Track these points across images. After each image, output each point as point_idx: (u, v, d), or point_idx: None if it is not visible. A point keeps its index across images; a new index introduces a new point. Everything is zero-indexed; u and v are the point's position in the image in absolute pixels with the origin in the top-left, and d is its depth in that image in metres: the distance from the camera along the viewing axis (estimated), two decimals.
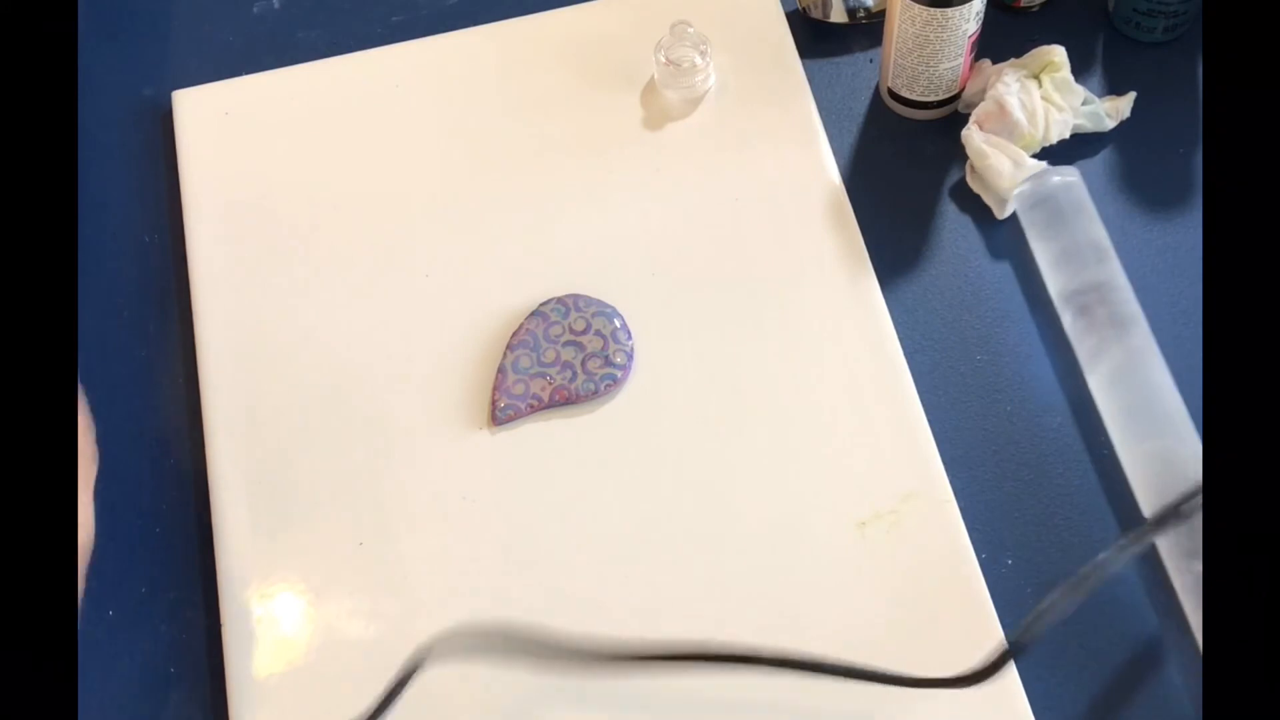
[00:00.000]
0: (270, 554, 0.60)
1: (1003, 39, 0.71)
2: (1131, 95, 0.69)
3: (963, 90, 0.69)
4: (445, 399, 0.63)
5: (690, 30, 0.69)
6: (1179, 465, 0.57)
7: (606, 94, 0.71)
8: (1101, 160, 0.68)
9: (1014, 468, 0.61)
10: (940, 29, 0.64)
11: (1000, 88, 0.67)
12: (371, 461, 0.62)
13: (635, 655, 0.53)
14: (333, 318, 0.65)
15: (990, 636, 0.56)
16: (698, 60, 0.69)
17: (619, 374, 0.62)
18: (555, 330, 0.63)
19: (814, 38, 0.73)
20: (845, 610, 0.58)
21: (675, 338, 0.64)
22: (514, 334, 0.64)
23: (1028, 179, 0.64)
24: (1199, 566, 0.55)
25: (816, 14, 0.73)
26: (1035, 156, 0.67)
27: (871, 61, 0.72)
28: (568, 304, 0.64)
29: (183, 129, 0.71)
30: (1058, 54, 0.67)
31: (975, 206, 0.68)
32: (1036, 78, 0.67)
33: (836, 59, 0.72)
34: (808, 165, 0.68)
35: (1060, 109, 0.67)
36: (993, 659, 0.53)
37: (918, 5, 0.63)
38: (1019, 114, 0.66)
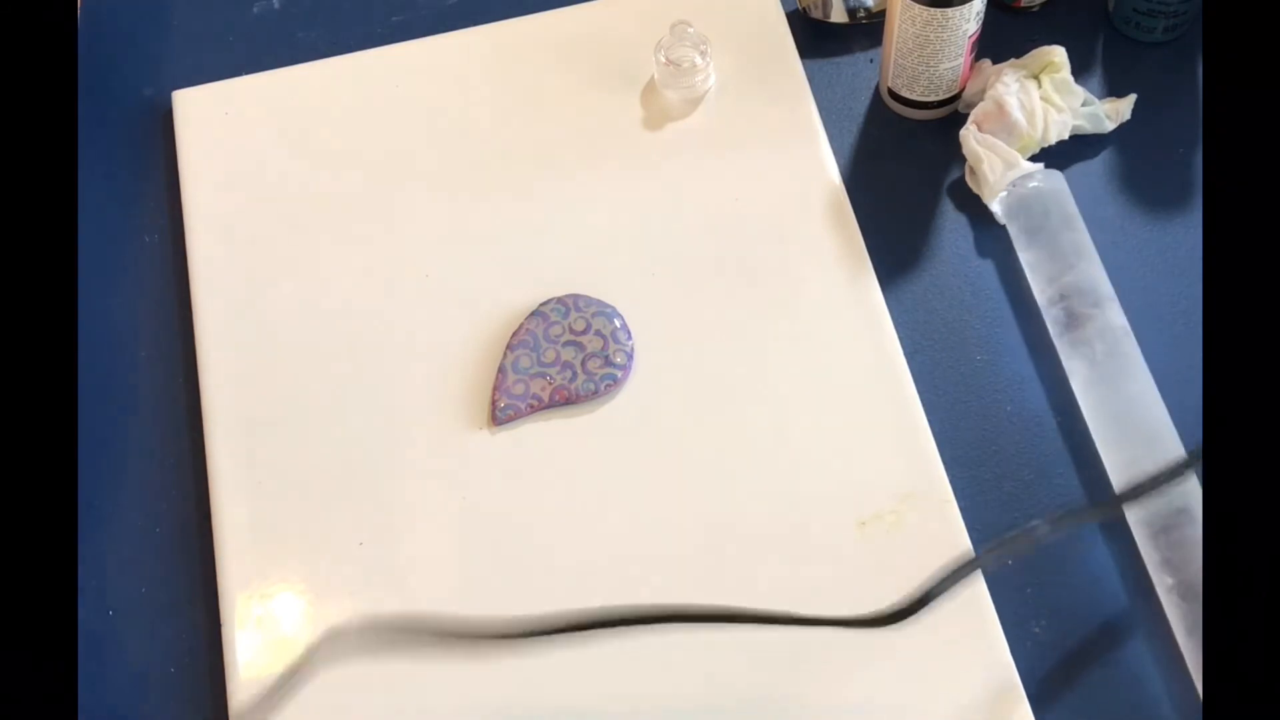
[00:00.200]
0: (270, 554, 0.60)
1: (1003, 39, 0.71)
2: (1132, 98, 0.69)
3: (963, 90, 0.69)
4: (445, 399, 0.63)
5: (690, 30, 0.69)
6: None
7: (606, 94, 0.71)
8: (1101, 161, 0.69)
9: (1014, 468, 0.61)
10: (940, 29, 0.64)
11: (1000, 88, 0.67)
12: (371, 461, 0.62)
13: (538, 629, 0.53)
14: (332, 317, 0.65)
15: (991, 636, 0.56)
16: (698, 60, 0.69)
17: (619, 374, 0.62)
18: (555, 330, 0.63)
19: (814, 38, 0.73)
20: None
21: (675, 337, 0.64)
22: (514, 334, 0.64)
23: (1010, 183, 0.64)
24: (1171, 579, 0.55)
25: (816, 14, 0.73)
26: (1034, 157, 0.67)
27: (871, 61, 0.72)
28: (568, 304, 0.64)
29: (183, 129, 0.71)
30: (1058, 54, 0.67)
31: (975, 206, 0.68)
32: (1036, 78, 0.67)
33: (836, 59, 0.73)
34: (808, 165, 0.68)
35: (1060, 110, 0.67)
36: (912, 601, 0.53)
37: (918, 5, 0.63)
38: (1018, 114, 0.66)
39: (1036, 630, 0.58)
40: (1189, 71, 0.71)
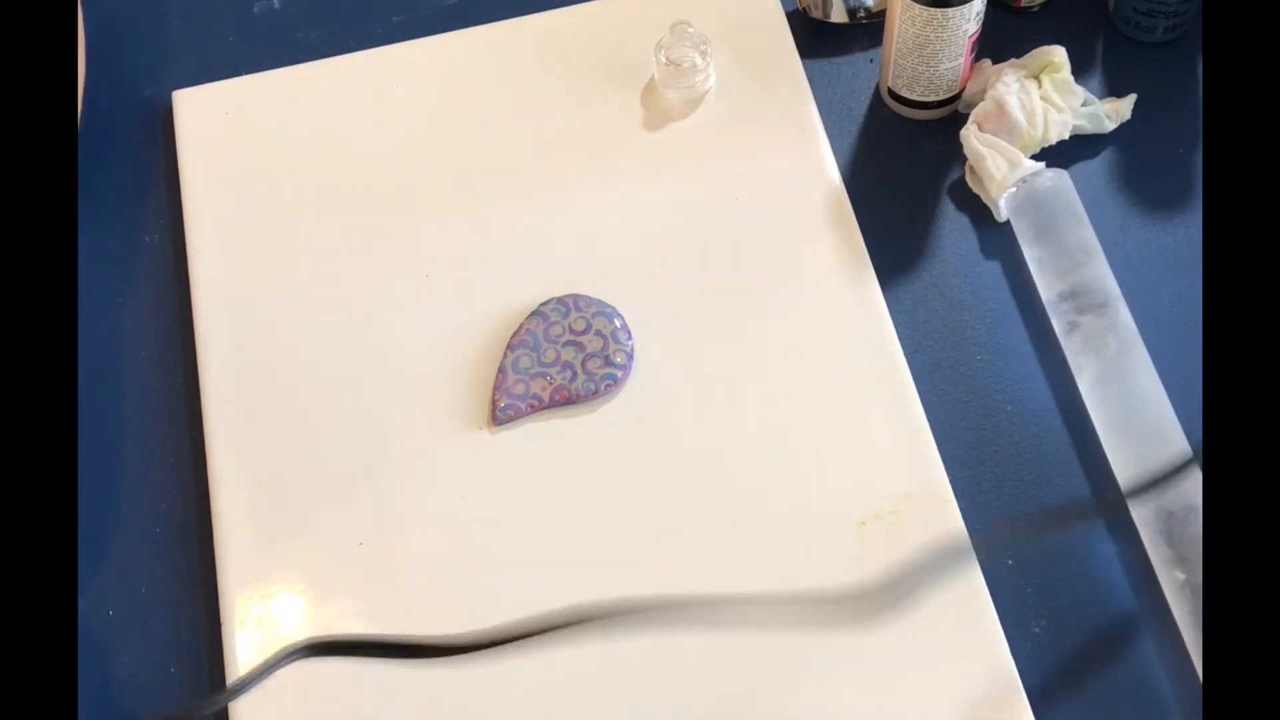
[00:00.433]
0: (270, 554, 0.60)
1: (1003, 39, 0.71)
2: (1132, 98, 0.69)
3: (963, 90, 0.69)
4: (445, 399, 0.63)
5: (690, 30, 0.69)
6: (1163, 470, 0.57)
7: (606, 94, 0.71)
8: (1101, 161, 0.69)
9: (1014, 468, 0.61)
10: (940, 29, 0.64)
11: (1000, 88, 0.67)
12: (372, 461, 0.62)
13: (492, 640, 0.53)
14: (333, 318, 0.65)
15: (991, 636, 0.56)
16: (698, 60, 0.69)
17: (619, 374, 0.62)
18: (555, 330, 0.63)
19: (814, 38, 0.73)
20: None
21: (675, 338, 0.64)
22: (514, 334, 0.64)
23: (1015, 182, 0.64)
24: (1181, 575, 0.55)
25: (816, 14, 0.73)
26: (1035, 157, 0.67)
27: (871, 61, 0.72)
28: (568, 304, 0.64)
29: (183, 129, 0.71)
30: (1058, 54, 0.67)
31: (975, 206, 0.68)
32: (1036, 78, 0.67)
33: (836, 59, 0.72)
34: (808, 165, 0.68)
35: (1060, 110, 0.67)
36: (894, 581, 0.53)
37: (918, 5, 0.63)
38: (1018, 114, 0.66)
39: (1036, 630, 0.58)
40: (1189, 71, 0.71)
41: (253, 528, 0.60)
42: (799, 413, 0.62)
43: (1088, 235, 0.63)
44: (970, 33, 0.65)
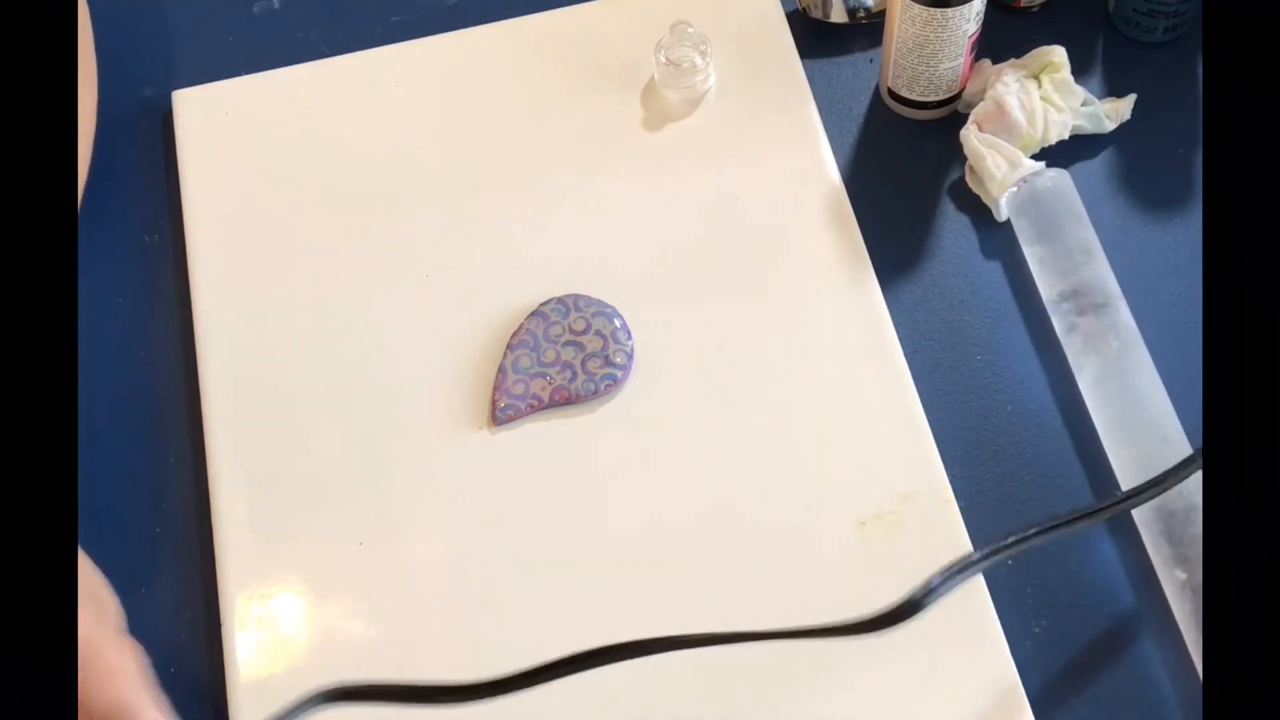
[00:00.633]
0: (270, 554, 0.60)
1: (1003, 39, 0.71)
2: (1131, 98, 0.69)
3: (963, 90, 0.69)
4: (445, 399, 0.63)
5: (690, 30, 0.69)
6: (1156, 472, 0.57)
7: (606, 94, 0.71)
8: (1101, 161, 0.69)
9: (1014, 468, 0.61)
10: (940, 29, 0.64)
11: (1000, 88, 0.67)
12: (372, 461, 0.62)
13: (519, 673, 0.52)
14: (333, 318, 0.65)
15: (991, 636, 0.56)
16: (698, 60, 0.69)
17: (619, 374, 0.62)
18: (555, 330, 0.63)
19: (814, 38, 0.73)
20: (845, 610, 0.58)
21: (675, 338, 0.64)
22: (514, 334, 0.64)
23: (1016, 181, 0.64)
24: (1183, 574, 0.55)
25: (816, 14, 0.73)
26: (1035, 157, 0.67)
27: (871, 61, 0.72)
28: (568, 304, 0.64)
29: (183, 129, 0.71)
30: (1058, 54, 0.67)
31: (975, 206, 0.68)
32: (1036, 78, 0.67)
33: (836, 59, 0.72)
34: (808, 165, 0.68)
35: (1060, 110, 0.67)
36: (905, 602, 0.53)
37: (918, 5, 0.63)
38: (1018, 114, 0.66)
39: (1037, 630, 0.58)
40: (1189, 71, 0.71)
41: (253, 528, 0.60)
42: (799, 412, 0.62)
43: (1088, 235, 0.63)
44: (970, 33, 0.65)
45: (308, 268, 0.67)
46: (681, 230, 0.67)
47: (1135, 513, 0.58)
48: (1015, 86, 0.67)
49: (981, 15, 0.65)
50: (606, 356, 0.63)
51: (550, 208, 0.68)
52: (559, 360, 0.63)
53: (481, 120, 0.70)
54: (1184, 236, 0.66)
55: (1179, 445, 0.58)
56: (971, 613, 0.57)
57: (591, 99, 0.71)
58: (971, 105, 0.68)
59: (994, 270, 0.66)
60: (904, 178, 0.69)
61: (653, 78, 0.71)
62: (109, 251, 0.69)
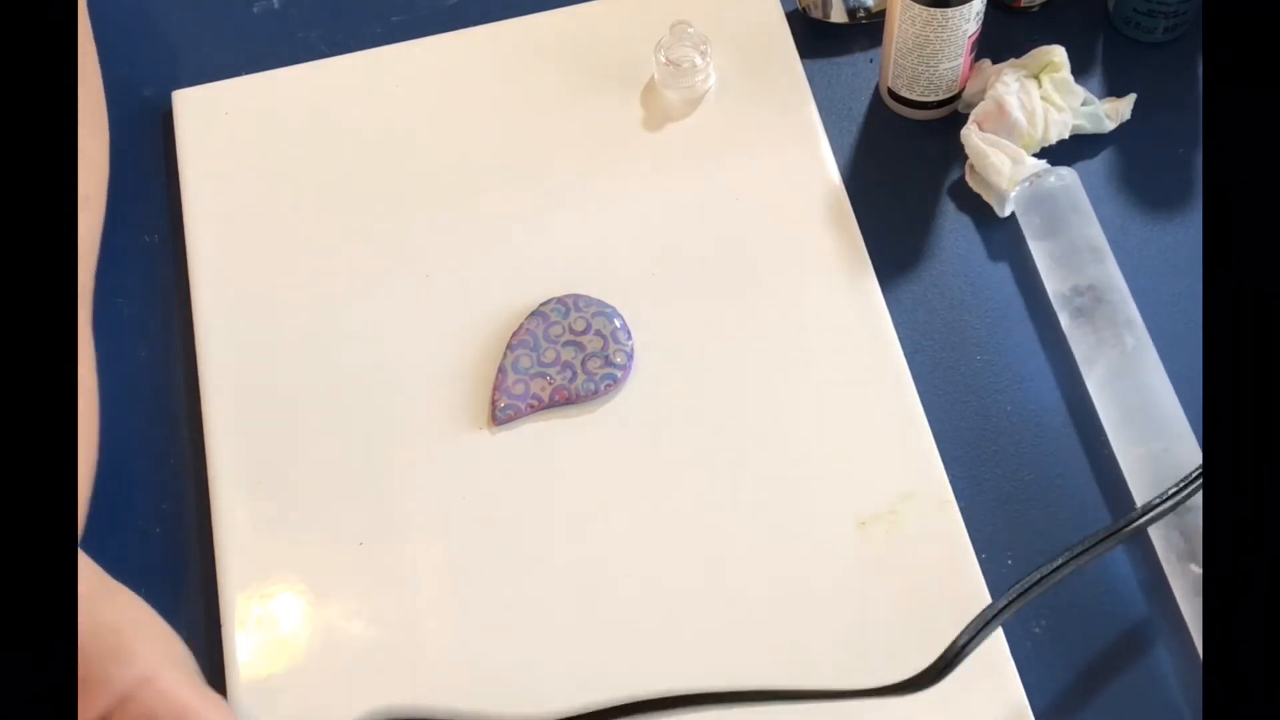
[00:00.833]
0: (270, 554, 0.60)
1: (1003, 39, 0.71)
2: (1131, 97, 0.69)
3: (963, 90, 0.69)
4: (445, 399, 0.63)
5: (690, 30, 0.69)
6: (1175, 468, 0.57)
7: (606, 94, 0.71)
8: (1101, 160, 0.69)
9: (1014, 468, 0.61)
10: (940, 29, 0.64)
11: (1000, 88, 0.67)
12: (371, 461, 0.62)
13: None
14: (333, 318, 0.65)
15: (991, 636, 0.56)
16: (698, 60, 0.69)
17: (619, 374, 0.62)
18: (555, 330, 0.63)
19: (814, 38, 0.73)
20: (845, 610, 0.58)
21: (675, 338, 0.64)
22: (514, 334, 0.64)
23: (1025, 179, 0.64)
24: (1197, 569, 0.55)
25: (816, 14, 0.73)
26: (1034, 157, 0.67)
27: (871, 61, 0.72)
28: (568, 304, 0.64)
29: (183, 129, 0.71)
30: (1058, 54, 0.67)
31: (975, 206, 0.68)
32: (1036, 78, 0.67)
33: (836, 59, 0.72)
34: (808, 165, 0.68)
35: (1060, 109, 0.67)
36: (940, 661, 0.52)
37: (918, 5, 0.63)
38: (1018, 114, 0.66)
39: (1037, 630, 0.58)
40: (1189, 71, 0.71)
41: (253, 528, 0.60)
42: (799, 412, 0.62)
43: (1097, 234, 0.63)
44: (970, 33, 0.65)
45: (308, 268, 0.67)
46: (681, 230, 0.67)
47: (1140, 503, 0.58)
48: (1015, 86, 0.67)
49: (981, 15, 0.65)
50: (606, 356, 0.63)
51: (550, 208, 0.68)
52: (559, 360, 0.63)
53: (481, 120, 0.70)
54: (1184, 236, 0.66)
55: (1190, 443, 0.58)
56: (971, 613, 0.57)
57: (591, 99, 0.71)
58: (971, 105, 0.68)
59: (994, 270, 0.66)
60: (904, 178, 0.69)
61: (653, 78, 0.71)
62: (109, 251, 0.69)
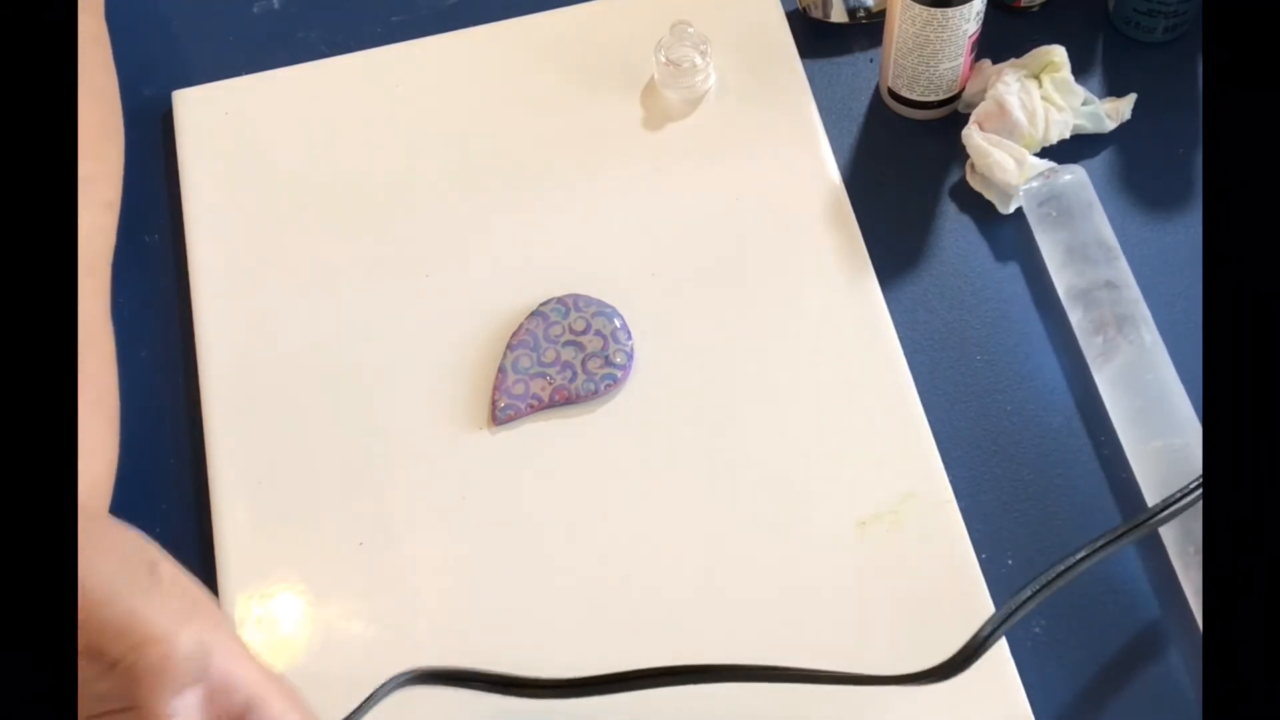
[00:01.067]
0: (270, 554, 0.60)
1: (1003, 39, 0.71)
2: (1132, 97, 0.69)
3: (963, 90, 0.69)
4: (445, 399, 0.63)
5: (690, 30, 0.69)
6: (1187, 464, 0.57)
7: (606, 94, 0.71)
8: (1102, 160, 0.69)
9: (1014, 468, 0.61)
10: (940, 29, 0.64)
11: (1000, 88, 0.67)
12: (371, 461, 0.62)
13: (591, 680, 0.54)
14: (333, 318, 0.65)
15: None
16: (698, 60, 0.69)
17: (619, 374, 0.62)
18: (555, 330, 0.63)
19: (814, 38, 0.73)
20: (844, 610, 0.58)
21: (675, 338, 0.64)
22: (514, 334, 0.64)
23: (1037, 175, 0.64)
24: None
25: (816, 14, 0.73)
26: (1035, 157, 0.67)
27: (871, 61, 0.72)
28: (568, 304, 0.64)
29: (183, 129, 0.71)
30: (1058, 54, 0.67)
31: (976, 206, 0.68)
32: (1036, 78, 0.67)
33: (836, 59, 0.72)
34: (808, 165, 0.68)
35: (1060, 109, 0.67)
36: (963, 651, 0.52)
37: (918, 5, 0.63)
38: (1019, 114, 0.66)
39: (1036, 630, 0.58)
40: (1189, 71, 0.71)
41: (253, 528, 0.60)
42: (799, 412, 0.62)
43: (1109, 233, 0.63)
44: (970, 33, 0.65)
45: (308, 267, 0.67)
46: (681, 230, 0.67)
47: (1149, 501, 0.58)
48: (1016, 86, 0.67)
49: (981, 15, 0.65)
50: (606, 356, 0.63)
51: (550, 207, 0.68)
52: (559, 360, 0.63)
53: (481, 120, 0.70)
54: (1184, 236, 0.66)
55: (1199, 438, 0.58)
56: (971, 615, 0.57)
57: (591, 99, 0.71)
58: (972, 105, 0.68)
59: (994, 270, 0.66)
60: (904, 178, 0.69)
61: (653, 78, 0.71)
62: None
